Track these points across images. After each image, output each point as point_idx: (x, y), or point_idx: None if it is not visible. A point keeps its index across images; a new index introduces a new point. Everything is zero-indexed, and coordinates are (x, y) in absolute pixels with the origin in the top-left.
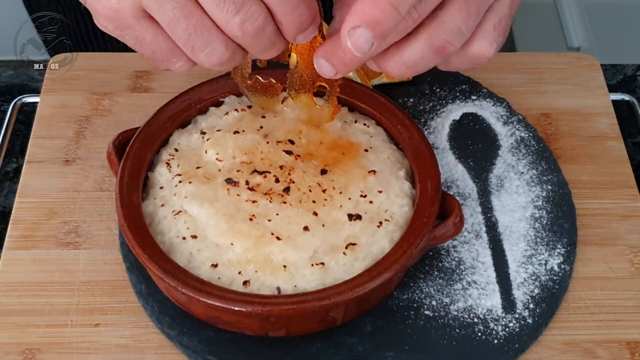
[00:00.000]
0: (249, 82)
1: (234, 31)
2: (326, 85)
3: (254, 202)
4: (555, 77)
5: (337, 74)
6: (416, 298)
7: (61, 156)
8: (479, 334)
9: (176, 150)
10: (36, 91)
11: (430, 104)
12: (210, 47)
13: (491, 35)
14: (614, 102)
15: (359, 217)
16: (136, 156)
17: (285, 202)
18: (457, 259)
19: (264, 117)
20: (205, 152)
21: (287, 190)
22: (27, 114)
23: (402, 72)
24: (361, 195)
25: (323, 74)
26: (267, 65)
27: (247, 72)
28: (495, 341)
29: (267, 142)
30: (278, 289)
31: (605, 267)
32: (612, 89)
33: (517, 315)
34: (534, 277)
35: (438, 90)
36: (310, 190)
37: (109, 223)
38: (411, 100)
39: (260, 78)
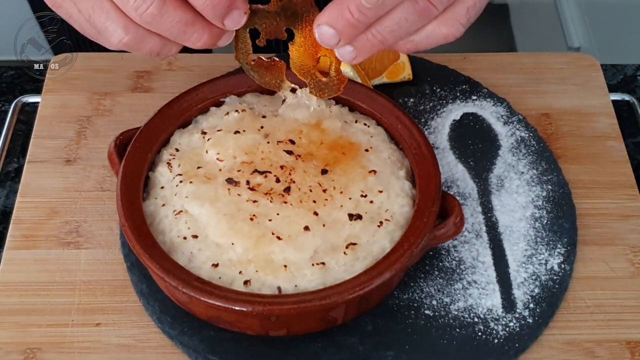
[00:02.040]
0: (252, 62)
1: (131, 15)
2: (328, 56)
3: (254, 202)
4: (556, 77)
5: (340, 41)
6: (416, 298)
7: (62, 156)
8: (479, 334)
9: (177, 150)
10: (37, 91)
11: (431, 104)
12: (108, 28)
13: (463, 17)
14: (614, 102)
15: (359, 216)
16: (137, 156)
17: (285, 202)
18: (457, 259)
19: (264, 117)
20: (206, 152)
21: (287, 190)
22: (28, 114)
23: (382, 39)
24: (362, 195)
25: (325, 43)
26: (266, 44)
27: (248, 52)
28: (496, 341)
29: (268, 142)
30: (279, 288)
31: (605, 267)
32: (612, 89)
33: (517, 315)
34: (534, 277)
35: (438, 90)
36: (310, 190)
37: (110, 223)
38: (411, 100)
39: (263, 58)
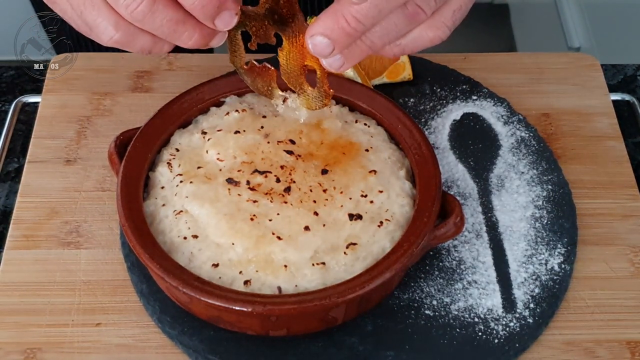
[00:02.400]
0: (245, 67)
1: (122, 12)
2: (314, 67)
3: (254, 201)
4: (556, 77)
5: (334, 50)
6: (417, 298)
7: (62, 156)
8: (480, 334)
9: (177, 150)
10: (37, 91)
11: (431, 104)
12: (99, 25)
13: (449, 20)
14: (614, 102)
15: (359, 216)
16: (137, 156)
17: (286, 202)
18: (457, 259)
19: (264, 117)
20: (206, 152)
21: (287, 190)
22: (28, 113)
23: (371, 45)
24: (362, 195)
25: (319, 53)
26: (257, 48)
27: (241, 55)
28: (496, 341)
29: (268, 142)
30: (279, 288)
31: (605, 266)
32: (612, 89)
33: (517, 315)
34: (534, 277)
35: (438, 90)
36: (311, 190)
37: (110, 223)
38: (412, 100)
39: (255, 63)
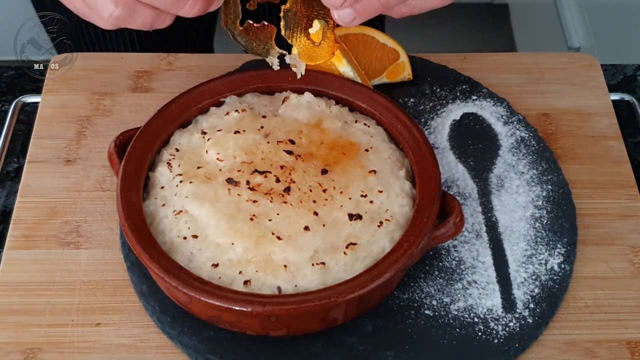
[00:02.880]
0: (240, 28)
1: None
2: (322, 19)
3: (254, 201)
4: (555, 77)
5: (346, 1)
6: (416, 298)
7: (62, 156)
8: (479, 334)
9: (177, 150)
10: (37, 91)
11: (431, 104)
12: (98, 2)
13: None
14: (614, 102)
15: (359, 216)
16: (137, 156)
17: (285, 202)
18: (457, 259)
19: (264, 117)
20: (206, 152)
21: (287, 190)
22: (28, 113)
23: (385, 3)
24: (362, 195)
25: (329, 3)
26: (257, 7)
27: (237, 17)
28: (496, 341)
29: (268, 142)
30: (279, 288)
31: (605, 266)
32: (612, 89)
33: (517, 315)
34: (534, 277)
35: (438, 90)
36: (310, 190)
37: (110, 223)
38: (411, 100)
39: (252, 23)
